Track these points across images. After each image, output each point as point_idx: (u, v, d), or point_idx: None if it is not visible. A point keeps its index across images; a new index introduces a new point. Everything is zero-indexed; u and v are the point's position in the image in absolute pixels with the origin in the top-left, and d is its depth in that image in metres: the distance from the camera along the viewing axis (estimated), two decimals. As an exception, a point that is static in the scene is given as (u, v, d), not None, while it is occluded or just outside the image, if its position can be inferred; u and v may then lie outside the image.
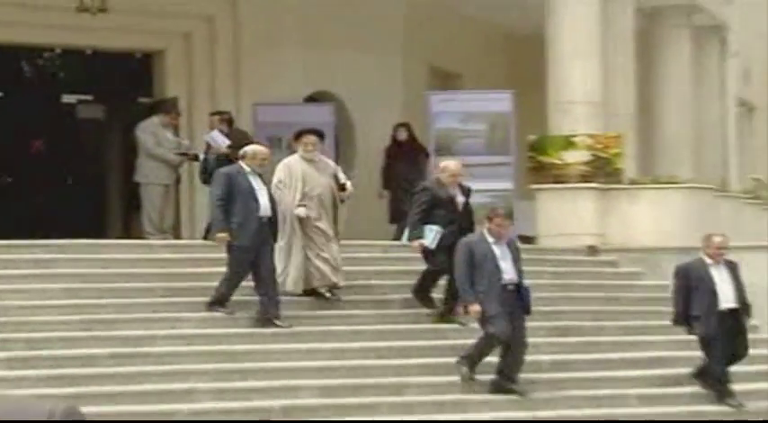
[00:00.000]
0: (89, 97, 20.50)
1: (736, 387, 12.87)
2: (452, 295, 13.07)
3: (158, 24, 18.65)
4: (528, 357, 12.38)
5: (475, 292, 12.06)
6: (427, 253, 13.23)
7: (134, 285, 13.44)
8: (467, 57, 21.12)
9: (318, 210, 13.37)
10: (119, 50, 18.99)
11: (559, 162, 16.87)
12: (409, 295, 13.90)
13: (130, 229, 18.06)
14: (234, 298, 13.29)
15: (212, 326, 12.92)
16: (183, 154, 16.88)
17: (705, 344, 12.77)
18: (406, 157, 17.88)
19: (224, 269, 13.93)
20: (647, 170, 18.72)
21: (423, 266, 13.84)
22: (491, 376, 12.39)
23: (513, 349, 12.13)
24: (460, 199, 13.41)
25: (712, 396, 12.84)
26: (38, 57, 20.01)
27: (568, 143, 16.86)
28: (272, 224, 12.94)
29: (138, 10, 17.94)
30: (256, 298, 13.04)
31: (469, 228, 13.16)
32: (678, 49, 20.69)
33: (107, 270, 13.72)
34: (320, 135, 14.08)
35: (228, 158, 16.46)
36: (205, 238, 13.16)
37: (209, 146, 16.51)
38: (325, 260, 13.32)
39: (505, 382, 12.24)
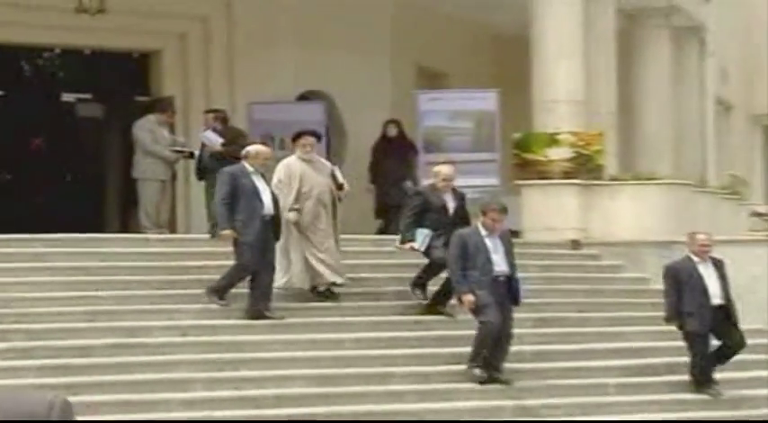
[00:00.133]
0: (88, 96, 20.47)
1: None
2: (446, 292, 13.05)
3: (155, 25, 18.64)
4: (513, 347, 12.39)
5: (468, 283, 12.06)
6: (427, 250, 13.22)
7: (131, 278, 13.44)
8: (454, 57, 21.11)
9: (318, 208, 13.36)
10: (117, 50, 18.97)
11: (543, 159, 16.88)
12: (398, 287, 13.92)
13: (128, 224, 18.04)
14: (232, 290, 13.28)
15: (207, 317, 12.92)
16: (179, 151, 16.87)
17: (693, 339, 12.73)
18: (395, 153, 17.88)
19: (219, 262, 13.94)
20: (628, 167, 18.73)
21: (411, 259, 13.85)
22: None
23: (500, 339, 12.13)
24: (452, 204, 13.39)
25: (691, 384, 12.84)
26: (38, 56, 19.97)
27: (552, 141, 16.87)
28: (274, 222, 12.92)
29: (136, 11, 17.93)
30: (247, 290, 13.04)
31: None
32: (658, 49, 20.70)
33: (105, 263, 13.71)
34: (317, 136, 14.07)
35: (223, 156, 16.48)
36: (212, 235, 13.10)
37: (203, 144, 16.52)
38: (321, 260, 13.30)
39: (491, 371, 12.25)
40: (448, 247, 12.55)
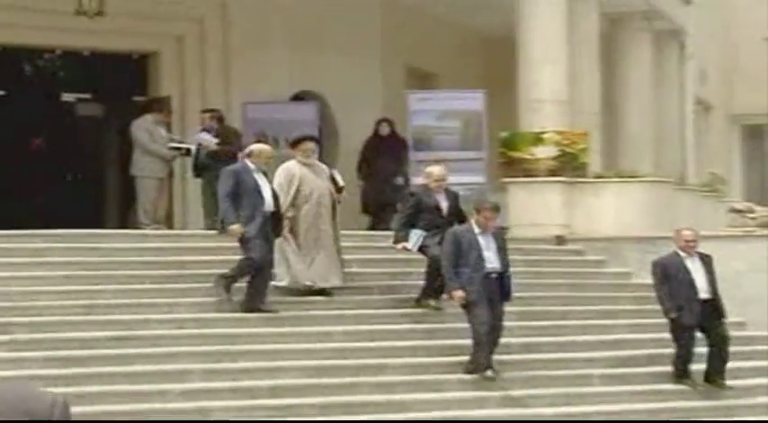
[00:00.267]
0: (87, 96, 20.45)
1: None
2: (439, 287, 13.02)
3: (152, 27, 18.61)
4: (500, 340, 12.38)
5: (459, 280, 12.05)
6: (422, 249, 13.18)
7: (130, 272, 13.42)
8: (442, 58, 21.12)
9: (318, 210, 13.35)
10: (115, 52, 18.94)
11: (529, 157, 16.89)
12: (388, 281, 13.91)
13: (127, 220, 18.02)
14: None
15: (203, 310, 12.90)
16: (177, 148, 16.86)
17: (680, 332, 12.72)
18: (388, 151, 17.83)
19: (215, 257, 13.94)
20: (611, 165, 18.76)
21: (400, 255, 13.86)
22: (466, 357, 12.41)
23: (490, 333, 12.11)
24: (445, 204, 13.37)
25: (672, 375, 12.85)
26: (38, 58, 19.94)
27: (537, 139, 16.89)
28: (274, 218, 12.90)
29: (134, 13, 17.91)
30: (243, 284, 13.02)
31: None
32: (639, 52, 20.75)
33: (104, 258, 13.69)
34: (317, 141, 14.06)
35: (218, 154, 16.48)
36: (220, 231, 13.05)
37: (200, 143, 16.53)
38: (313, 263, 13.28)
39: (476, 368, 12.24)
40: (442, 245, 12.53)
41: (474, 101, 18.52)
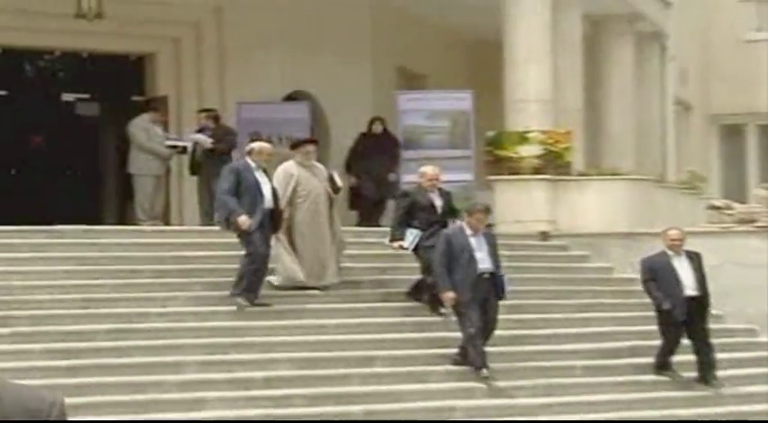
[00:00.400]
0: (86, 96, 20.41)
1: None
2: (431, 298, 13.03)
3: (150, 30, 18.60)
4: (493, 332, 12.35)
5: (450, 281, 12.02)
6: (416, 251, 13.14)
7: (128, 267, 13.42)
8: (431, 60, 21.13)
9: (316, 209, 13.36)
10: (113, 53, 18.92)
11: (515, 156, 16.90)
12: (377, 276, 13.92)
13: (125, 217, 18.00)
14: (222, 279, 13.27)
15: (199, 304, 12.91)
16: (174, 146, 16.86)
17: (667, 327, 12.74)
18: (381, 149, 17.79)
19: (210, 252, 13.94)
20: (594, 163, 18.78)
21: (389, 250, 13.87)
22: (454, 350, 12.42)
23: (483, 328, 12.11)
24: (439, 202, 13.37)
25: (654, 367, 12.86)
26: (39, 59, 19.90)
27: (523, 138, 16.90)
28: (273, 215, 12.88)
29: (132, 16, 17.89)
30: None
31: None
32: (622, 53, 20.77)
33: (103, 253, 13.69)
34: (316, 143, 14.11)
35: (213, 152, 16.48)
36: (225, 227, 13.01)
37: (195, 142, 16.55)
38: (309, 262, 13.29)
39: (463, 359, 12.24)
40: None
41: (461, 101, 18.53)
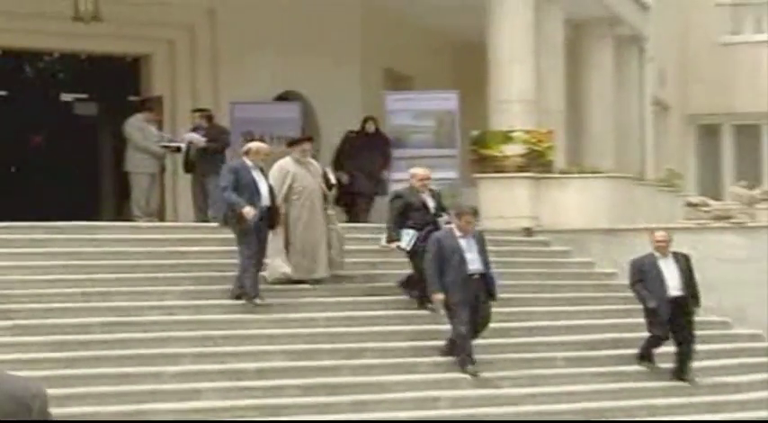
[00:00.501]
0: (84, 96, 20.39)
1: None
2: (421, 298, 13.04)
3: (145, 32, 18.58)
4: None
5: (441, 283, 12.02)
6: (412, 254, 13.14)
7: (124, 262, 13.41)
8: (418, 61, 21.15)
9: (310, 205, 13.36)
10: (110, 55, 18.90)
11: (499, 154, 16.93)
12: (366, 271, 13.93)
13: (121, 213, 17.98)
14: (215, 273, 13.28)
15: (193, 298, 12.91)
16: (167, 146, 16.84)
17: (654, 324, 12.76)
18: (373, 147, 17.77)
19: (204, 248, 13.93)
20: (575, 161, 18.81)
21: (377, 245, 13.90)
22: (442, 342, 12.44)
23: (475, 325, 12.12)
24: (431, 203, 13.37)
25: (636, 357, 12.87)
26: (38, 60, 19.86)
27: (506, 138, 16.93)
28: (270, 212, 12.87)
29: (128, 19, 17.87)
30: (233, 273, 13.02)
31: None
32: (602, 56, 20.82)
33: (100, 249, 13.68)
34: (312, 141, 14.10)
35: (207, 151, 16.48)
36: (224, 224, 12.98)
37: (190, 141, 16.54)
38: (295, 255, 13.29)
39: (450, 351, 12.24)
40: None
41: (447, 101, 18.54)
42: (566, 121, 18.53)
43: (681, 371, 12.77)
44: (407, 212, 13.16)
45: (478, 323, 12.10)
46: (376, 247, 14.09)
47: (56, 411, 11.30)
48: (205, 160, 16.47)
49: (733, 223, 16.30)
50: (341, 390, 11.65)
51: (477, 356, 12.27)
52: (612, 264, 15.72)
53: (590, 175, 17.25)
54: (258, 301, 12.62)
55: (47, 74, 20.02)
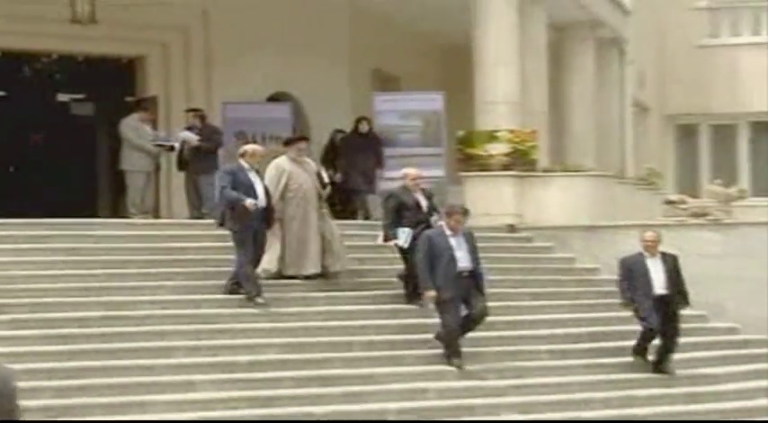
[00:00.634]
0: (81, 96, 20.37)
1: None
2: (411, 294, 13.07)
3: (141, 34, 18.57)
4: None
5: (432, 280, 12.03)
6: (404, 251, 13.13)
7: (120, 258, 13.41)
8: (405, 63, 21.17)
9: (304, 203, 13.36)
10: (106, 56, 18.88)
11: (484, 153, 16.96)
12: (357, 266, 13.93)
13: (117, 210, 17.97)
14: (209, 269, 13.28)
15: (187, 292, 12.90)
16: (161, 145, 16.84)
17: (641, 320, 12.81)
18: (367, 147, 17.76)
19: (198, 244, 13.94)
20: (558, 160, 18.86)
21: (367, 242, 13.90)
22: (427, 335, 12.47)
23: (470, 321, 12.10)
24: (424, 202, 13.38)
25: (632, 350, 12.87)
26: (36, 61, 19.82)
27: (491, 137, 16.96)
28: (266, 212, 12.86)
29: (124, 22, 17.86)
30: (227, 269, 13.03)
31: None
32: (583, 58, 20.86)
33: (97, 245, 13.67)
34: (308, 140, 14.10)
35: (200, 150, 16.47)
36: (221, 224, 12.94)
37: (183, 140, 16.54)
38: (287, 252, 13.29)
39: (439, 341, 12.26)
40: None
41: (434, 102, 18.58)
42: (549, 121, 18.57)
43: (661, 363, 12.82)
44: (401, 211, 13.17)
45: (475, 316, 12.10)
46: (364, 243, 14.12)
47: (53, 403, 11.30)
48: (198, 159, 16.48)
49: (710, 220, 16.35)
50: (332, 381, 11.67)
51: (462, 349, 12.29)
52: (593, 259, 15.77)
53: (572, 173, 17.29)
54: (260, 300, 12.62)
55: (45, 75, 19.98)
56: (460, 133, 17.30)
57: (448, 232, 12.22)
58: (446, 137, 18.22)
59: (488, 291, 13.57)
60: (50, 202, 17.88)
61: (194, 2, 18.63)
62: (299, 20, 19.19)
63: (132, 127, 16.66)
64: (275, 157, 13.82)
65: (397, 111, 18.37)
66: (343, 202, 17.36)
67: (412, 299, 13.18)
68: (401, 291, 13.34)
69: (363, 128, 17.86)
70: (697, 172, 26.05)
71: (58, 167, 19.71)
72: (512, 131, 16.96)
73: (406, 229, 13.07)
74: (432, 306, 12.42)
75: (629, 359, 12.97)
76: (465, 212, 12.48)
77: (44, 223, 13.91)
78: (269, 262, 13.19)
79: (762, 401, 12.75)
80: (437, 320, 12.31)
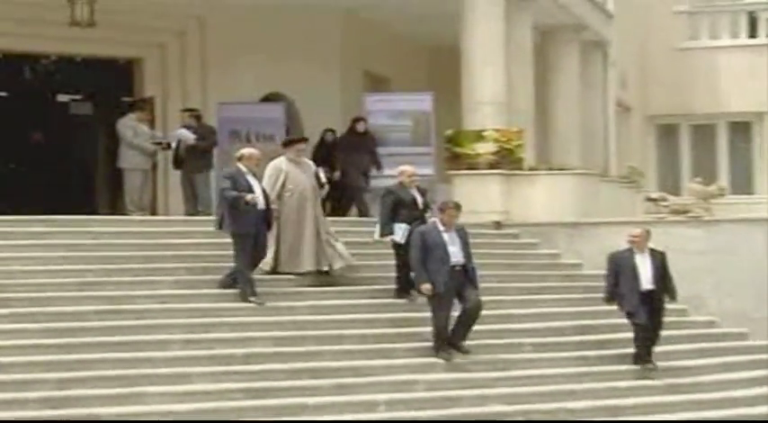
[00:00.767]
0: (80, 97, 20.33)
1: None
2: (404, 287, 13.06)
3: (138, 37, 18.55)
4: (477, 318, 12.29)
5: (427, 274, 11.99)
6: (397, 246, 13.09)
7: (118, 253, 13.38)
8: (395, 64, 21.15)
9: (302, 202, 13.33)
10: (105, 58, 18.84)
11: (471, 152, 16.96)
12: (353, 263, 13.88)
13: (115, 207, 17.94)
14: (204, 264, 13.25)
15: (183, 287, 12.88)
16: (158, 143, 16.81)
17: (629, 317, 12.79)
18: (363, 146, 17.73)
19: (193, 240, 13.92)
20: (543, 159, 18.86)
21: (357, 237, 13.88)
22: (416, 328, 12.45)
23: (466, 312, 12.09)
24: (420, 199, 13.37)
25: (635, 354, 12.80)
26: (36, 63, 19.79)
27: (479, 137, 16.95)
28: (266, 213, 12.81)
29: (122, 24, 17.84)
30: (221, 264, 13.01)
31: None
32: (568, 60, 20.85)
33: (96, 241, 13.64)
34: (306, 141, 14.09)
35: (195, 148, 16.45)
36: (219, 228, 12.90)
37: (179, 139, 16.51)
38: (283, 250, 13.27)
39: (455, 337, 12.20)
40: None
41: (423, 102, 18.58)
42: (534, 121, 18.55)
43: (639, 356, 12.81)
44: (398, 208, 13.16)
45: (470, 310, 12.05)
46: (354, 239, 14.11)
47: (52, 394, 11.26)
48: (194, 157, 16.46)
49: (690, 217, 16.37)
50: (323, 373, 11.66)
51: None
52: (577, 255, 15.78)
53: (557, 171, 17.30)
54: (253, 298, 12.59)
55: (45, 76, 19.94)
56: (449, 133, 17.28)
57: (441, 228, 12.22)
58: (435, 136, 18.21)
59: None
60: (50, 199, 17.85)
61: (191, 6, 18.59)
62: (292, 24, 19.16)
63: (129, 126, 16.64)
64: (273, 158, 13.78)
65: (388, 111, 18.37)
66: (337, 199, 17.34)
67: (401, 294, 13.17)
68: (391, 286, 13.32)
69: (360, 127, 17.82)
70: (678, 170, 26.06)
71: (57, 166, 19.67)
72: (498, 131, 16.95)
73: (403, 225, 13.06)
74: (421, 300, 12.42)
75: (611, 352, 12.98)
76: (457, 207, 12.49)
77: (43, 220, 13.87)
78: (263, 261, 13.16)
79: (738, 392, 12.77)
80: (426, 314, 12.30)
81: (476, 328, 12.83)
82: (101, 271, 12.91)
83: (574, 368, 12.62)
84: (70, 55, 18.86)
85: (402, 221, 13.07)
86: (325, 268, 13.36)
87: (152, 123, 17.37)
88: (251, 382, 11.31)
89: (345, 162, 17.54)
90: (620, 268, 12.76)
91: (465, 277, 12.13)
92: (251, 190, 12.70)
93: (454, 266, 12.06)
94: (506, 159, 16.88)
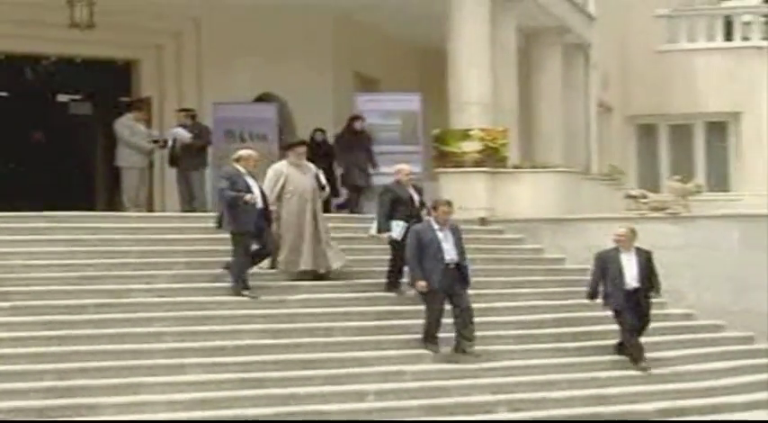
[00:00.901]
0: (79, 97, 20.28)
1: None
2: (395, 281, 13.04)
3: (136, 38, 18.51)
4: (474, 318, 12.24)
5: (422, 271, 11.97)
6: (394, 243, 13.06)
7: (115, 249, 13.36)
8: (385, 65, 21.14)
9: (302, 204, 13.30)
10: (103, 59, 18.80)
11: (458, 151, 16.96)
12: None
13: (113, 204, 17.91)
14: (199, 259, 13.24)
15: (178, 281, 12.86)
16: (155, 142, 16.79)
17: (616, 315, 12.81)
18: (360, 144, 17.69)
19: (189, 236, 13.89)
20: (527, 157, 18.86)
21: (348, 233, 13.85)
22: (404, 321, 12.44)
23: (461, 316, 12.08)
24: (416, 197, 13.34)
25: (629, 360, 12.76)
26: (37, 64, 19.75)
27: (465, 136, 16.95)
28: (265, 213, 12.78)
29: (120, 26, 17.80)
30: (216, 259, 12.99)
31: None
32: (551, 62, 20.86)
33: (94, 236, 13.61)
34: (306, 144, 14.03)
35: (191, 147, 16.43)
36: (219, 226, 12.84)
37: (175, 138, 16.48)
38: (282, 250, 13.26)
39: (462, 342, 12.15)
40: None
41: (411, 102, 18.59)
42: (519, 120, 18.56)
43: (623, 346, 12.82)
44: (396, 205, 13.13)
45: (464, 317, 12.01)
46: (345, 234, 14.09)
47: (51, 385, 11.23)
48: (189, 155, 16.45)
49: (669, 214, 16.39)
50: (314, 364, 11.65)
51: (438, 335, 12.27)
52: (560, 250, 15.80)
53: (540, 169, 17.31)
54: (247, 292, 12.56)
55: (45, 76, 19.90)
56: (436, 132, 17.28)
57: (435, 226, 12.20)
58: (423, 135, 18.20)
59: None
60: (50, 196, 17.82)
61: (187, 8, 18.56)
62: (286, 26, 19.14)
63: (126, 126, 16.61)
64: (267, 157, 13.75)
65: (378, 111, 18.36)
66: (337, 195, 17.33)
67: (391, 287, 13.16)
68: (381, 279, 13.32)
69: (358, 126, 17.79)
70: (657, 168, 26.10)
71: (57, 164, 19.63)
72: (484, 130, 16.96)
73: (401, 223, 13.04)
74: (411, 293, 12.40)
75: (592, 343, 13.00)
76: (449, 204, 12.45)
77: (43, 216, 13.84)
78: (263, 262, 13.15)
79: (713, 382, 12.80)
80: (414, 308, 12.29)
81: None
82: (100, 265, 12.89)
83: (557, 359, 12.63)
84: (70, 56, 18.81)
85: (399, 219, 13.05)
86: (323, 271, 13.32)
87: (149, 123, 17.34)
88: (243, 372, 11.30)
89: (346, 161, 17.53)
90: (606, 266, 12.75)
91: (458, 275, 12.10)
92: (249, 191, 12.65)
93: (448, 264, 12.04)
94: (492, 158, 16.88)
